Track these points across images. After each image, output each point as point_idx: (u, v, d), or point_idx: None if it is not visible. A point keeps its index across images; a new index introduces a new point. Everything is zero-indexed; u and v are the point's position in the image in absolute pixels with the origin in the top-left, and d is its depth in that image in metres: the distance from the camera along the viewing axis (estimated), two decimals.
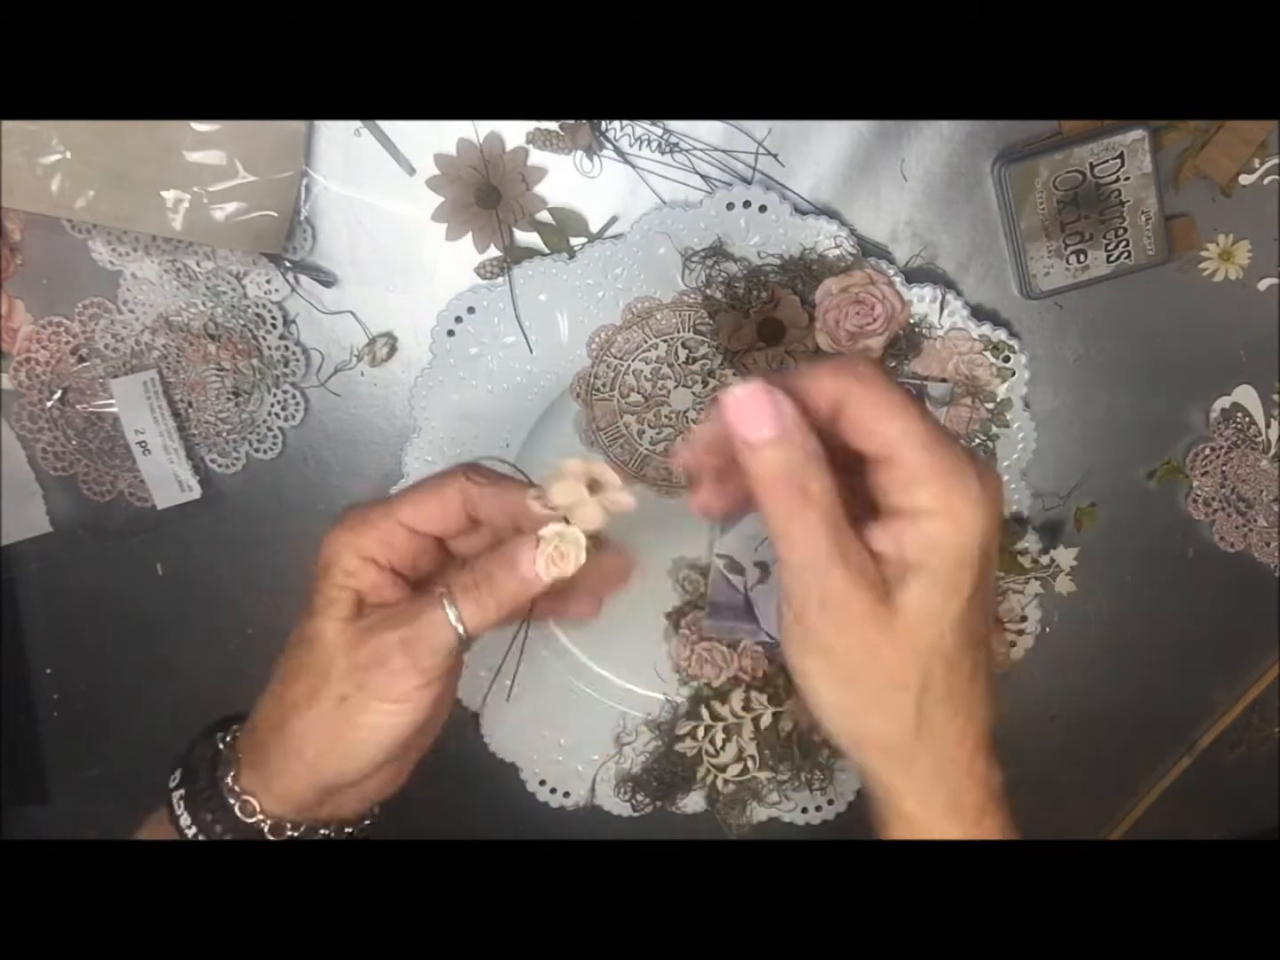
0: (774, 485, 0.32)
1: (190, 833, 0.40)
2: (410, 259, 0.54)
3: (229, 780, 0.40)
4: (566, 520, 0.35)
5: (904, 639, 0.33)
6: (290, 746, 0.38)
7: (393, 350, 0.55)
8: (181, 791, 0.40)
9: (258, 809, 0.39)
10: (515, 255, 0.54)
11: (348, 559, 0.38)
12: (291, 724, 0.38)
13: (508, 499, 0.37)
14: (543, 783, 0.61)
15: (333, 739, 0.37)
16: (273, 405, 0.55)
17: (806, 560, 0.32)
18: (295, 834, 0.40)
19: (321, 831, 0.40)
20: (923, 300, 0.55)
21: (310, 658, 0.38)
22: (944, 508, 0.32)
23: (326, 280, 0.54)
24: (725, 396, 0.32)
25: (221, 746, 0.41)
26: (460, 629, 0.36)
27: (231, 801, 0.39)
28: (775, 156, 0.54)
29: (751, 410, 0.32)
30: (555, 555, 0.35)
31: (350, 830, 0.41)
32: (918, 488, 0.32)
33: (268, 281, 0.54)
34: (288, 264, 0.53)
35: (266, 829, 0.39)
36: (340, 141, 0.52)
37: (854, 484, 0.34)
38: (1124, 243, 0.55)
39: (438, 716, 0.42)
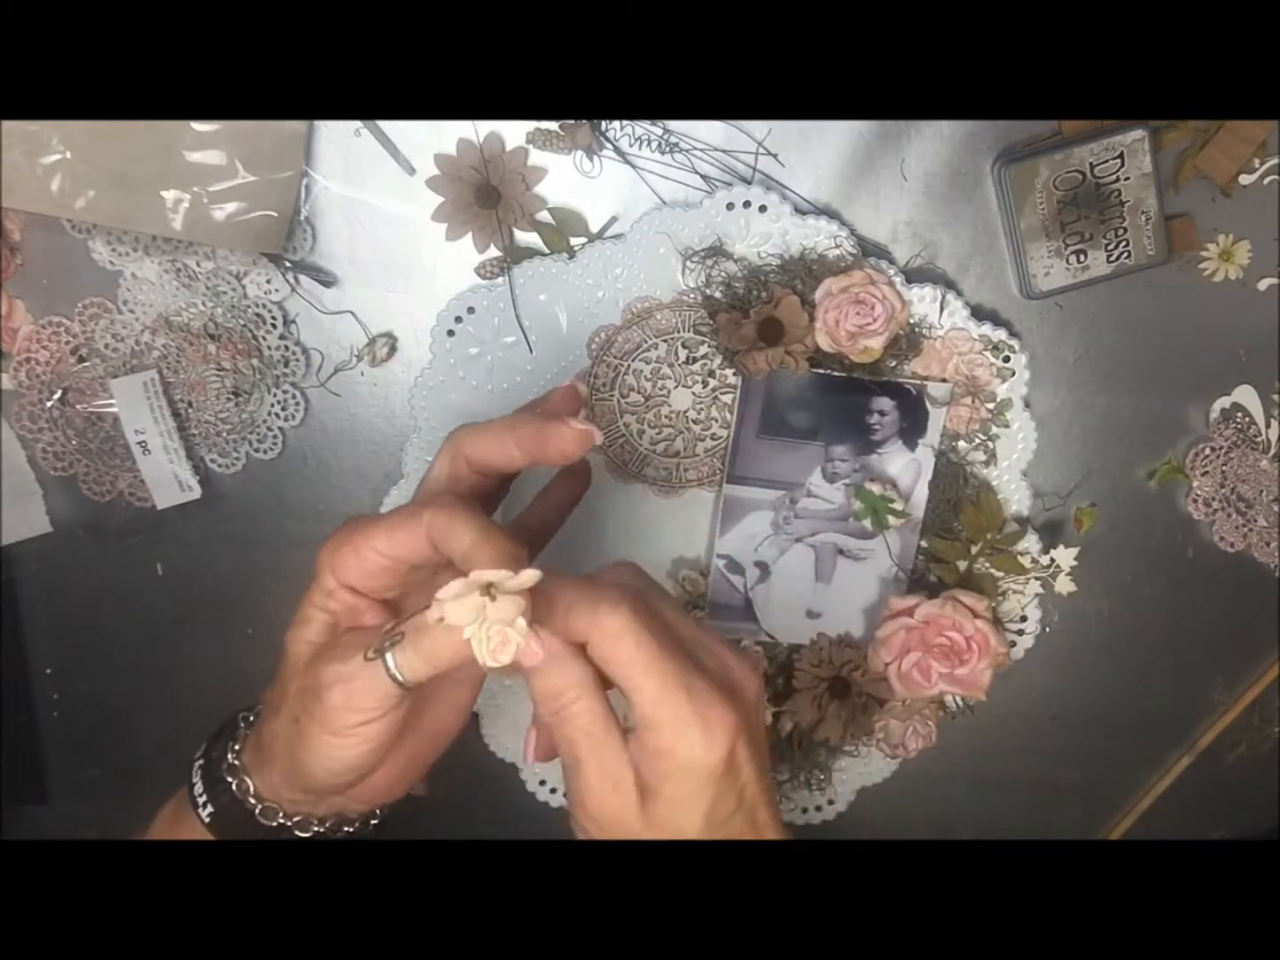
0: (541, 702, 0.36)
1: (201, 800, 0.40)
2: (410, 259, 0.54)
3: (230, 755, 0.40)
4: (491, 593, 0.32)
5: (660, 836, 0.37)
6: (266, 743, 0.39)
7: (393, 350, 0.55)
8: (201, 761, 0.41)
9: (250, 790, 0.39)
10: (515, 255, 0.54)
11: (326, 578, 0.37)
12: (265, 724, 0.39)
13: (460, 543, 0.35)
14: (543, 783, 0.61)
15: (292, 753, 0.37)
16: (273, 405, 0.55)
17: (570, 764, 0.37)
18: (288, 822, 0.40)
19: (315, 828, 0.40)
20: (923, 300, 0.55)
21: (282, 667, 0.38)
22: (669, 750, 0.36)
23: (326, 280, 0.54)
24: None
25: (242, 723, 0.41)
26: (399, 676, 0.34)
27: (229, 779, 0.40)
28: (775, 156, 0.54)
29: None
30: (498, 645, 0.33)
31: (350, 829, 0.41)
32: (648, 731, 0.36)
33: (268, 281, 0.54)
34: (288, 264, 0.53)
35: (257, 811, 0.39)
36: (340, 141, 0.52)
37: None
38: (1124, 243, 0.55)
39: (448, 729, 0.41)
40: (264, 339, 0.54)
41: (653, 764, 0.36)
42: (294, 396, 0.55)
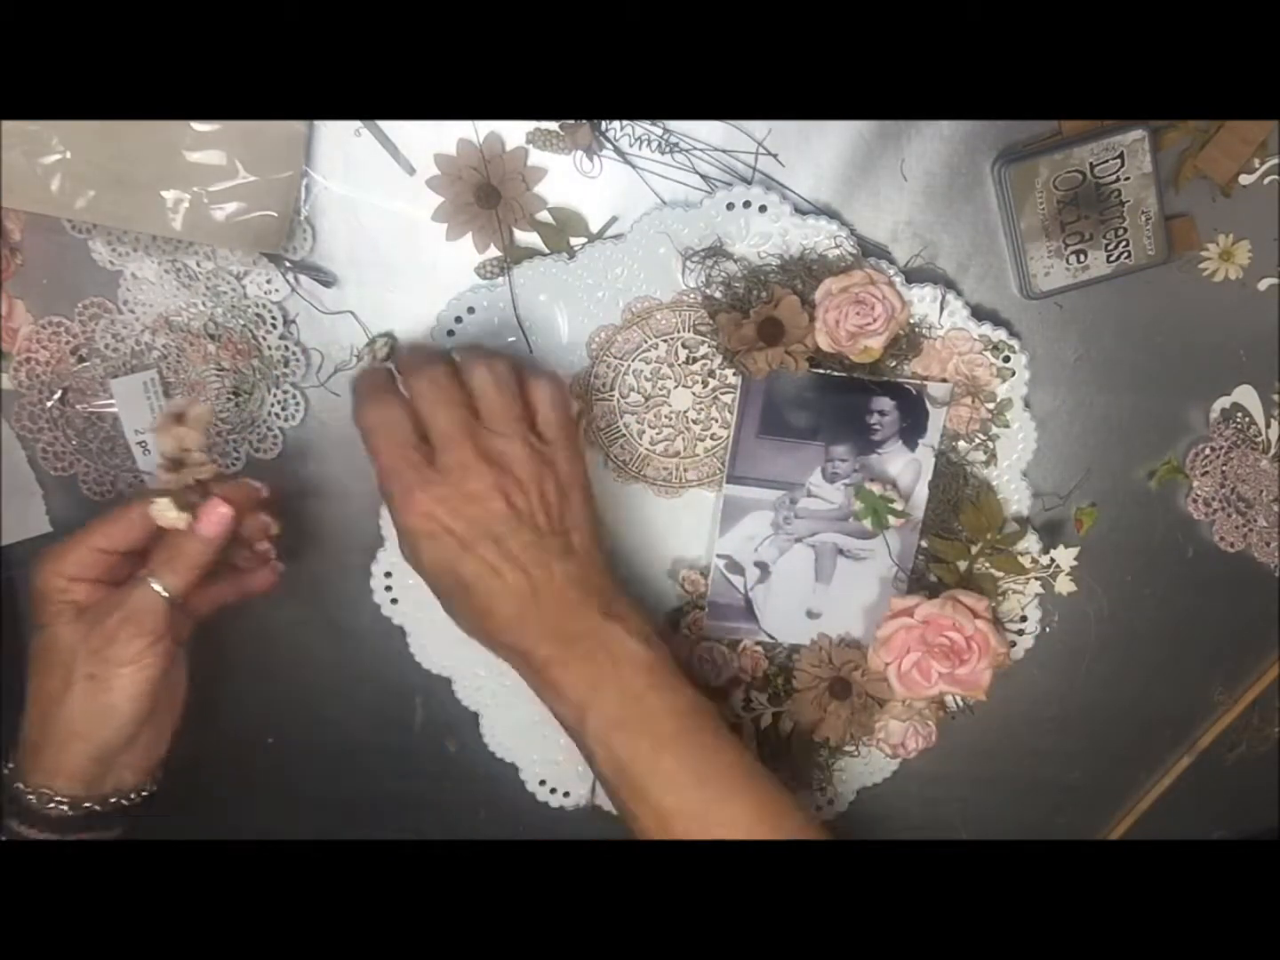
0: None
1: None
2: (410, 259, 0.54)
3: (20, 785, 0.47)
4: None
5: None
6: (62, 730, 0.46)
7: (393, 350, 0.55)
8: None
9: (52, 796, 0.46)
10: (515, 255, 0.54)
11: (56, 582, 0.48)
12: (57, 713, 0.46)
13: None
14: (543, 783, 0.61)
15: (94, 707, 0.46)
16: (273, 405, 0.55)
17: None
18: (96, 808, 0.47)
19: (112, 800, 0.48)
20: (923, 300, 0.55)
21: (54, 657, 0.47)
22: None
23: (326, 280, 0.54)
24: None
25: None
26: (166, 593, 0.47)
27: (30, 798, 0.46)
28: (775, 156, 0.54)
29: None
30: (176, 520, 0.47)
31: (134, 797, 0.49)
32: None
33: (268, 281, 0.54)
34: (288, 264, 0.53)
35: (67, 808, 0.46)
36: (340, 141, 0.52)
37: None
38: (1124, 243, 0.55)
39: (176, 692, 0.51)
40: (264, 339, 0.54)
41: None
42: (294, 396, 0.55)
